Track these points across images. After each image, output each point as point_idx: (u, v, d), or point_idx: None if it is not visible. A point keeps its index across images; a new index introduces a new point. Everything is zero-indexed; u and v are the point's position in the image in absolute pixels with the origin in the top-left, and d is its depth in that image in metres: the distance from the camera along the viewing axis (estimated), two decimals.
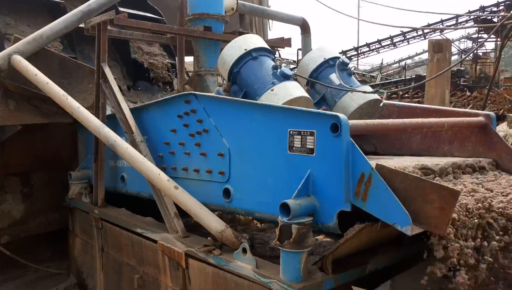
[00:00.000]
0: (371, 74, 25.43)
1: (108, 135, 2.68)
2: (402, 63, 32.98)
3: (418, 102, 12.19)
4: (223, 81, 2.92)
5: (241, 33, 3.54)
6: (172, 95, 2.71)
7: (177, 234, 2.42)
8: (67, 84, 3.34)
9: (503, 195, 2.01)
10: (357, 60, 31.24)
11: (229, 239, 2.11)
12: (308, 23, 4.80)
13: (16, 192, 3.83)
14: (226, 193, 2.25)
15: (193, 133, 2.44)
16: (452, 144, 2.66)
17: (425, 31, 26.90)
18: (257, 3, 6.18)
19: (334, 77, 2.97)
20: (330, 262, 1.85)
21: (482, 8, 22.35)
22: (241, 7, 4.25)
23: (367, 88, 2.93)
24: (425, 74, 16.13)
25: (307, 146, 1.90)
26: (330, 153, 1.81)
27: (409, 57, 35.68)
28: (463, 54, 25.71)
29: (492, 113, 2.61)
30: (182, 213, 2.39)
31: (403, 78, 24.48)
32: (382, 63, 28.56)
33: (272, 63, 2.71)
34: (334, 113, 1.84)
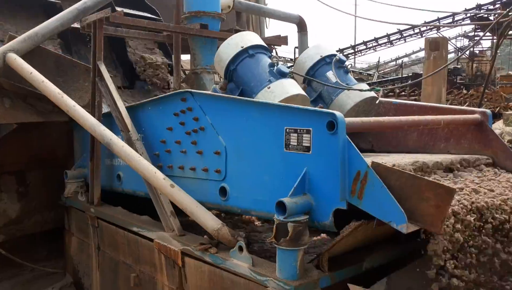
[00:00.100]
0: (368, 72, 25.47)
1: (104, 134, 2.67)
2: (399, 61, 33.04)
3: (415, 100, 12.21)
4: (220, 79, 2.92)
5: (237, 31, 3.53)
6: (168, 93, 2.70)
7: (173, 232, 2.41)
8: (62, 82, 3.33)
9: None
10: (354, 58, 31.26)
11: (225, 237, 2.11)
12: (305, 21, 4.79)
13: (11, 191, 3.81)
14: (223, 191, 2.24)
15: (189, 131, 2.43)
16: (449, 141, 2.67)
17: (422, 29, 26.94)
18: (254, 1, 6.16)
19: (331, 75, 2.97)
20: (326, 260, 1.86)
21: (479, 6, 22.40)
22: (237, 5, 4.23)
23: (364, 86, 2.93)
24: (421, 72, 16.17)
25: (304, 144, 1.90)
26: (326, 151, 1.81)
27: (406, 55, 35.73)
28: (459, 52, 25.77)
29: (488, 111, 2.61)
30: (180, 212, 2.38)
31: (400, 76, 24.52)
32: (379, 61, 28.59)
33: (269, 60, 2.70)
34: (330, 111, 1.84)
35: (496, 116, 11.94)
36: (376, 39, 30.10)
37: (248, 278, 1.93)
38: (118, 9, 4.11)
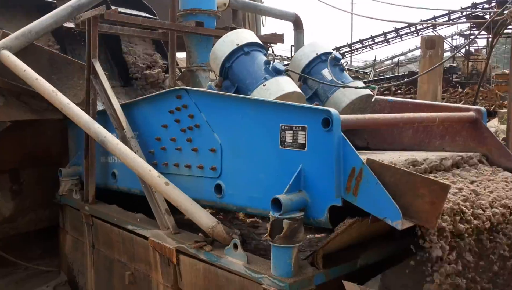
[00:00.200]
0: (364, 71, 25.53)
1: (98, 131, 2.66)
2: (395, 59, 33.13)
3: (411, 98, 12.25)
4: (216, 77, 2.91)
5: (233, 29, 3.51)
6: (163, 91, 2.69)
7: (168, 230, 2.40)
8: (57, 80, 3.30)
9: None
10: (351, 56, 31.31)
11: (220, 235, 2.10)
12: (301, 19, 4.78)
13: (5, 189, 3.78)
14: (218, 189, 2.24)
15: (184, 129, 2.42)
16: (444, 138, 2.67)
17: (418, 27, 27.01)
18: None
19: (326, 73, 2.96)
20: (320, 257, 1.86)
21: (475, 5, 22.49)
22: (233, 3, 4.22)
23: (359, 83, 2.93)
24: (418, 71, 16.20)
25: (299, 141, 1.90)
26: (321, 148, 1.81)
27: (402, 54, 35.86)
28: (455, 51, 25.88)
29: (482, 108, 2.62)
30: (175, 210, 2.37)
31: (396, 74, 24.59)
32: (375, 59, 28.65)
33: (264, 58, 2.69)
34: (326, 108, 1.84)
35: (491, 114, 12.03)
36: (372, 38, 30.18)
37: (242, 275, 1.93)
38: (114, 8, 4.09)
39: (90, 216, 3.07)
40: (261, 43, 2.79)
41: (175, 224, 2.42)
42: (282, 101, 2.13)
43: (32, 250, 3.84)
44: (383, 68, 32.96)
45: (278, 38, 4.07)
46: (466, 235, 1.80)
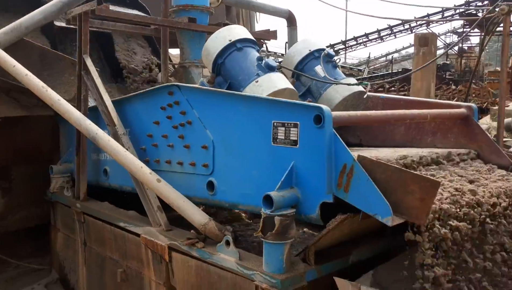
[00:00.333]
0: (359, 68, 25.58)
1: (90, 128, 2.63)
2: (389, 57, 33.24)
3: (405, 95, 12.30)
4: (209, 73, 2.90)
5: (226, 25, 3.50)
6: (155, 87, 2.67)
7: (160, 227, 2.39)
8: (47, 76, 3.27)
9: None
10: (345, 53, 31.36)
11: (212, 231, 2.10)
12: (294, 16, 4.78)
13: None
14: (210, 185, 2.23)
15: (176, 125, 2.41)
16: (435, 135, 2.69)
17: (412, 24, 27.11)
18: None
19: (319, 69, 2.96)
20: (312, 253, 1.86)
21: (468, 3, 22.61)
22: None
23: (352, 80, 2.93)
24: (411, 68, 16.27)
25: (291, 138, 1.90)
26: (313, 145, 1.81)
27: (396, 51, 35.98)
28: (448, 48, 26.00)
29: (473, 105, 2.63)
30: (167, 207, 2.36)
31: (390, 71, 24.68)
32: (369, 56, 28.72)
33: (257, 54, 2.69)
34: (317, 104, 1.84)
35: (484, 112, 12.11)
36: (366, 35, 30.25)
37: (234, 272, 1.93)
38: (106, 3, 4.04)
39: (81, 213, 3.05)
40: (254, 39, 2.78)
41: (167, 221, 2.41)
42: (274, 98, 2.12)
43: (23, 248, 3.80)
44: (377, 66, 33.05)
45: (271, 34, 4.06)
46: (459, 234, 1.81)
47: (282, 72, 2.94)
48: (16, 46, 3.14)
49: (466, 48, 27.42)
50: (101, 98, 2.90)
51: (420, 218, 1.59)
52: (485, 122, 9.28)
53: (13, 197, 3.79)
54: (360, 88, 2.90)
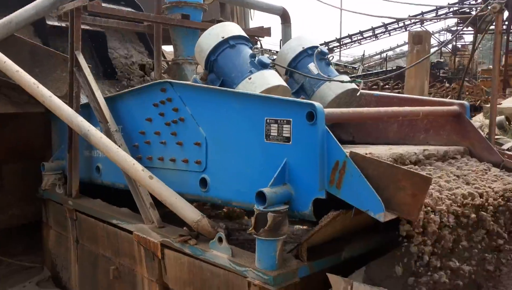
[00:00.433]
0: (353, 66, 25.66)
1: (81, 125, 2.61)
2: (384, 54, 33.35)
3: (399, 93, 12.36)
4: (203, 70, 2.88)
5: (219, 22, 3.48)
6: (148, 84, 2.66)
7: (153, 224, 2.39)
8: (39, 73, 3.24)
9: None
10: (340, 51, 31.42)
11: (205, 228, 2.10)
12: (288, 13, 4.76)
13: None
14: (203, 182, 2.23)
15: (169, 122, 2.40)
16: (428, 132, 2.70)
17: (406, 23, 27.20)
18: None
19: (313, 67, 2.96)
20: (305, 250, 1.86)
21: (461, 1, 22.73)
22: None
23: (345, 77, 2.94)
24: (405, 66, 16.31)
25: (284, 135, 1.90)
26: (305, 142, 1.81)
27: (391, 49, 36.12)
28: (441, 45, 26.18)
29: (466, 102, 2.65)
30: (160, 204, 2.35)
31: (385, 69, 24.77)
32: (364, 54, 28.79)
33: (250, 51, 2.68)
34: (310, 101, 1.84)
35: (477, 109, 12.21)
36: (361, 32, 30.30)
37: (227, 269, 1.93)
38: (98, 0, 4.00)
39: (74, 210, 3.03)
40: (247, 36, 2.77)
41: (159, 218, 2.40)
42: (267, 95, 2.12)
43: (14, 245, 3.77)
44: (371, 63, 33.16)
45: (265, 31, 4.05)
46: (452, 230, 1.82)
47: (276, 69, 2.94)
48: (7, 42, 3.10)
49: (460, 46, 27.60)
50: (93, 94, 2.88)
51: (412, 214, 1.60)
52: (478, 120, 9.35)
53: (4, 195, 3.76)
54: (353, 85, 2.90)
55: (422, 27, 25.67)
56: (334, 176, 1.72)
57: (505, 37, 20.65)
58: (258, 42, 4.37)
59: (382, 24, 28.88)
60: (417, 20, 25.86)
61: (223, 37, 2.66)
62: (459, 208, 1.88)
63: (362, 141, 2.95)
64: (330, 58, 3.07)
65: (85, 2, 3.03)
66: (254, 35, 4.00)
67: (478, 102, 13.99)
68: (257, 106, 2.01)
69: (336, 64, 23.15)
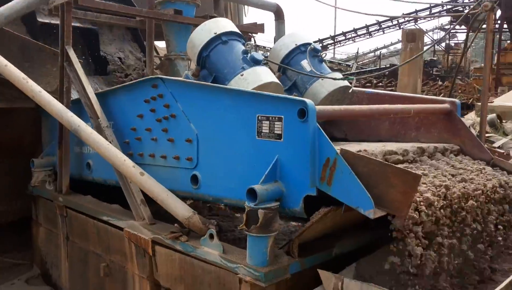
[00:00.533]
0: (347, 63, 25.70)
1: (72, 120, 2.59)
2: (377, 52, 33.46)
3: (392, 90, 12.40)
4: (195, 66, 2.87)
5: (212, 18, 3.46)
6: (139, 79, 2.63)
7: (144, 221, 2.37)
8: (28, 68, 3.19)
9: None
10: (334, 48, 31.46)
11: (196, 225, 2.09)
12: (282, 9, 4.75)
13: None
14: (194, 179, 2.22)
15: (160, 119, 2.38)
16: (419, 130, 2.71)
17: (400, 20, 27.30)
18: None
19: (305, 64, 2.96)
20: (296, 246, 1.87)
21: None
22: None
23: (337, 75, 2.94)
24: (399, 64, 16.38)
25: (275, 132, 1.89)
26: (297, 139, 1.81)
27: (384, 47, 36.25)
28: (436, 44, 26.36)
29: (457, 100, 2.67)
30: (151, 201, 2.34)
31: (378, 67, 24.86)
32: (357, 52, 28.86)
33: (243, 47, 2.66)
34: (301, 98, 1.84)
35: (469, 108, 12.30)
36: (355, 30, 30.36)
37: (218, 265, 1.93)
38: None
39: (64, 207, 3.01)
40: (240, 32, 2.76)
41: (150, 214, 2.39)
42: (259, 91, 2.11)
43: (3, 242, 3.73)
44: (365, 61, 33.25)
45: (258, 28, 4.04)
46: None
47: (269, 66, 2.93)
48: None
49: (453, 44, 27.79)
50: (84, 90, 2.85)
51: (402, 211, 1.61)
52: (470, 118, 9.42)
53: None
54: (346, 83, 2.91)
55: (415, 25, 25.79)
56: (325, 173, 1.72)
57: (497, 36, 20.83)
58: (252, 39, 4.35)
59: (376, 22, 28.96)
60: (410, 18, 25.99)
61: (215, 33, 2.64)
62: (449, 203, 1.89)
63: (355, 138, 2.95)
64: (323, 55, 3.07)
65: None
66: (248, 32, 3.98)
67: (471, 100, 14.11)
68: (248, 102, 2.00)
69: (330, 62, 23.16)
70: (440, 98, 2.84)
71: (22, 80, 2.75)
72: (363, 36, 30.53)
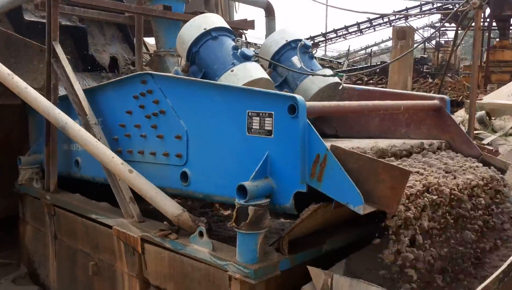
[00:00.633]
0: (338, 61, 25.79)
1: (59, 117, 2.55)
2: (368, 50, 33.61)
3: (382, 88, 12.47)
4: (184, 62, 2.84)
5: (202, 13, 3.43)
6: (128, 75, 2.60)
7: (133, 219, 2.35)
8: (14, 63, 3.14)
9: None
10: (325, 46, 31.52)
11: (186, 223, 2.07)
12: (272, 6, 4.73)
13: None
14: (184, 176, 2.20)
15: (149, 115, 2.36)
16: (409, 126, 2.72)
17: (391, 18, 27.45)
18: None
19: (296, 60, 2.95)
20: (286, 243, 1.86)
21: None
22: None
23: (328, 71, 2.93)
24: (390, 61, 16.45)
25: (266, 128, 1.88)
26: (287, 135, 1.80)
27: (375, 44, 36.42)
28: (426, 42, 26.57)
29: (446, 97, 2.68)
30: (141, 199, 2.31)
31: (369, 64, 24.98)
32: (349, 49, 28.98)
33: (233, 43, 2.64)
34: (292, 94, 1.83)
35: (459, 105, 12.43)
36: (346, 27, 30.44)
37: (208, 263, 1.91)
38: None
39: (52, 205, 2.96)
40: (230, 28, 2.74)
41: (139, 212, 2.37)
42: (249, 87, 2.10)
43: None
44: (356, 58, 33.39)
45: (248, 24, 4.02)
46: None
47: (259, 62, 2.91)
48: None
49: (443, 42, 28.03)
50: (71, 86, 2.80)
51: (391, 207, 1.61)
52: (460, 115, 9.51)
53: None
54: (336, 79, 2.90)
55: (406, 23, 25.93)
56: (315, 169, 1.72)
57: (487, 34, 21.05)
58: (243, 36, 4.33)
59: (367, 19, 29.09)
60: (401, 16, 26.15)
61: (205, 29, 2.62)
62: (439, 198, 1.90)
63: (345, 135, 2.96)
64: (314, 52, 3.06)
65: None
66: (238, 28, 3.96)
67: (460, 98, 14.25)
68: (239, 98, 1.99)
69: (322, 59, 23.20)
70: (429, 94, 2.85)
71: (7, 76, 2.70)
72: (354, 33, 30.64)
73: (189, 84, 2.21)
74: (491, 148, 5.38)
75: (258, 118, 1.91)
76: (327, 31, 31.22)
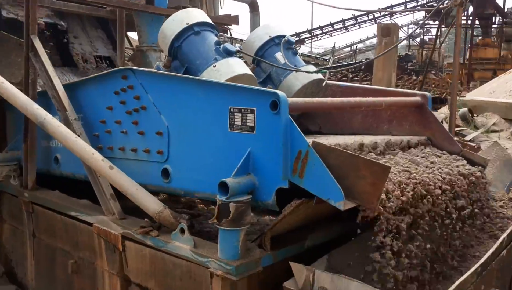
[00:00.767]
0: (324, 57, 25.90)
1: (37, 113, 2.49)
2: (354, 47, 33.86)
3: (367, 84, 12.58)
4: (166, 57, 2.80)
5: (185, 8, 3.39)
6: (108, 70, 2.55)
7: (114, 216, 2.31)
8: None
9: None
10: (311, 42, 31.62)
11: (167, 219, 2.05)
12: (257, 1, 4.72)
13: None
14: (165, 173, 2.17)
15: (130, 111, 2.32)
16: (391, 123, 2.75)
17: (376, 15, 27.70)
18: None
19: (280, 56, 2.94)
20: (268, 239, 1.86)
21: None
22: None
23: (311, 67, 2.94)
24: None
25: (248, 124, 1.87)
26: (269, 131, 1.79)
27: (361, 41, 36.73)
28: (411, 39, 26.91)
29: (428, 94, 2.71)
30: (122, 196, 2.27)
31: (355, 61, 25.17)
32: (334, 46, 29.13)
33: (216, 38, 2.62)
34: (274, 90, 1.82)
35: (443, 102, 12.63)
36: (331, 24, 30.58)
37: (189, 260, 1.90)
38: None
39: (30, 203, 2.89)
40: (213, 23, 2.71)
41: (120, 209, 2.33)
42: (231, 83, 2.08)
43: None
44: (342, 55, 33.60)
45: (233, 19, 3.99)
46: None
47: (242, 58, 2.90)
48: None
49: (427, 39, 28.43)
50: (51, 81, 2.74)
51: (371, 203, 1.62)
52: (444, 112, 9.67)
53: None
54: (320, 76, 2.91)
55: (391, 20, 26.21)
56: (297, 166, 1.72)
57: (470, 32, 21.43)
58: (228, 31, 4.30)
59: (352, 16, 29.26)
60: (386, 13, 26.40)
61: (187, 23, 2.58)
62: (418, 193, 1.92)
63: (329, 131, 2.97)
64: (297, 48, 3.06)
65: None
66: (222, 23, 3.94)
67: (444, 95, 14.48)
68: (221, 94, 1.97)
69: (307, 56, 23.27)
70: (411, 91, 2.88)
71: None
72: (339, 30, 30.80)
73: (171, 80, 2.18)
74: (473, 144, 5.48)
75: (240, 114, 1.89)
76: (313, 27, 31.32)
